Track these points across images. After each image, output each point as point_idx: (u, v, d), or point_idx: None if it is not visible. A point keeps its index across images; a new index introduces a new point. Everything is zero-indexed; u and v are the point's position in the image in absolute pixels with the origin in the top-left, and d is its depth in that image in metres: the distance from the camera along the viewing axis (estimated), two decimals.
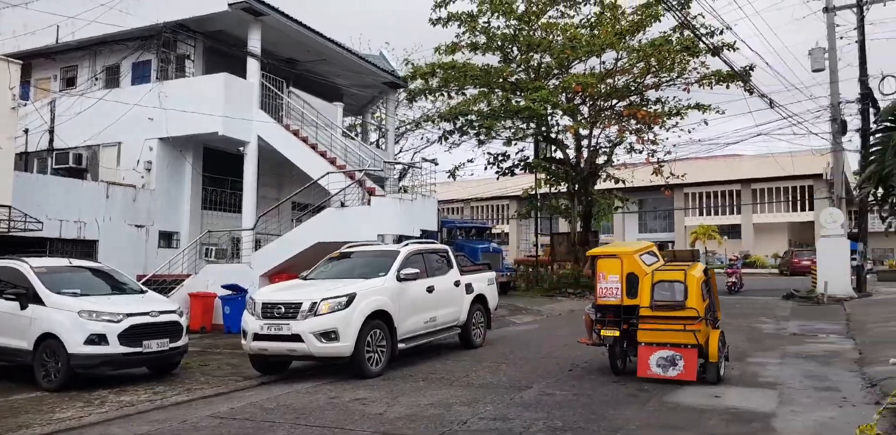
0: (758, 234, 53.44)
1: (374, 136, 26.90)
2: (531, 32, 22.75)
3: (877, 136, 5.72)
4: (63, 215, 14.03)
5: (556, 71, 23.34)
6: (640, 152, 24.05)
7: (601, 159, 24.50)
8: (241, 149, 16.16)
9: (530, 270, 26.37)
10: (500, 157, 25.30)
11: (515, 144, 25.12)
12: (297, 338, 8.57)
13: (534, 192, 26.79)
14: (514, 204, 50.28)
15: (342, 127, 19.97)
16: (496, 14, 22.48)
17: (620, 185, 24.80)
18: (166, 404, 7.58)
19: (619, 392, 7.59)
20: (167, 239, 16.41)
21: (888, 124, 5.48)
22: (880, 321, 13.04)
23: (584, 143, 24.28)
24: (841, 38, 21.53)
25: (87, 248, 14.58)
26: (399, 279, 9.66)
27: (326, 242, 13.44)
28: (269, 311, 8.88)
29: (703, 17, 21.70)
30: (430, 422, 6.42)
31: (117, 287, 9.93)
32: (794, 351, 10.56)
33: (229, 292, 13.97)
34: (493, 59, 23.75)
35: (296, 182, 17.00)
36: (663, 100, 23.38)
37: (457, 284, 11.20)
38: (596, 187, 25.57)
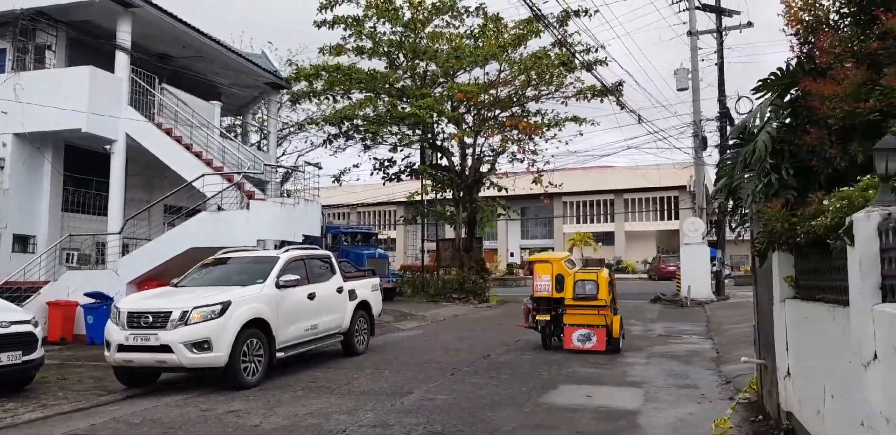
0: (629, 241, 56.51)
1: (255, 138, 26.10)
2: (417, 40, 23.00)
3: (728, 152, 6.23)
4: None
5: (441, 79, 23.71)
6: (522, 162, 24.91)
7: (485, 167, 25.11)
8: (108, 147, 15.17)
9: (416, 275, 26.54)
10: (386, 163, 25.35)
11: (402, 150, 25.32)
12: (166, 349, 8.16)
13: (420, 198, 27.02)
14: (401, 210, 50.45)
15: (220, 127, 19.25)
16: (382, 20, 22.55)
17: (503, 193, 25.49)
18: (18, 422, 6.99)
19: (498, 395, 7.81)
20: (22, 243, 15.07)
21: (737, 141, 5.98)
22: (735, 323, 14.07)
23: (469, 151, 24.79)
24: (703, 60, 23.34)
25: None
26: (278, 286, 9.44)
27: (201, 247, 12.87)
28: (135, 320, 8.42)
29: (580, 34, 22.79)
30: (308, 432, 6.32)
31: None
32: (659, 351, 11.29)
33: (93, 301, 13.08)
34: (379, 65, 23.81)
35: (168, 184, 16.19)
36: (543, 112, 24.32)
37: (339, 290, 11.10)
38: (480, 195, 26.18)
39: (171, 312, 8.32)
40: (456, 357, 10.94)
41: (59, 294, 13.49)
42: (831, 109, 4.62)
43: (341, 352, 11.34)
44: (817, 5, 5.34)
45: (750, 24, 22.60)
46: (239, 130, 25.92)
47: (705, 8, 23.13)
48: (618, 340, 10.90)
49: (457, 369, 9.66)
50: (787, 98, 5.63)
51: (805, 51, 5.47)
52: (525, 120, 23.48)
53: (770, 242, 4.94)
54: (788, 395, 5.45)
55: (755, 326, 7.07)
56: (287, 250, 10.64)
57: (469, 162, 24.77)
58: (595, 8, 22.28)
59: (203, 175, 14.46)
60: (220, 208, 14.01)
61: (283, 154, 29.58)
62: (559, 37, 21.41)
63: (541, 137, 24.19)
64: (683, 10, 23.66)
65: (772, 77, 5.44)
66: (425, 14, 22.99)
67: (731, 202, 6.22)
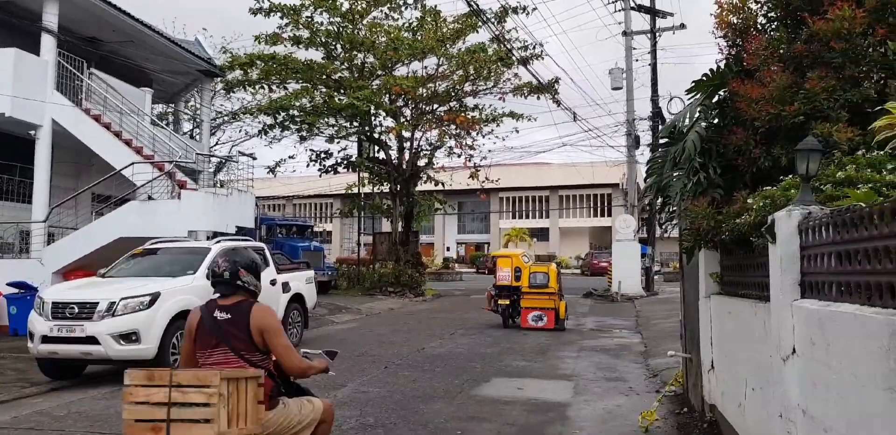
0: (563, 237, 57.59)
1: (187, 127, 25.36)
2: (355, 31, 22.75)
3: (658, 150, 6.41)
4: None
5: (379, 72, 23.53)
6: (459, 156, 25.02)
7: (422, 161, 25.11)
8: (33, 133, 14.48)
9: (352, 268, 26.36)
10: (322, 155, 25.05)
11: (338, 142, 25.06)
12: (92, 340, 7.92)
13: (357, 190, 26.82)
14: (338, 202, 49.93)
15: (151, 115, 18.63)
16: (320, 9, 22.20)
17: (440, 187, 25.57)
18: None
19: (431, 388, 7.86)
20: None
21: (667, 140, 6.16)
22: (663, 317, 14.52)
23: (407, 144, 24.73)
24: (637, 60, 23.95)
25: None
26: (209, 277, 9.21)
27: (130, 237, 12.47)
28: (60, 311, 8.13)
29: (518, 31, 23.05)
30: None
31: None
32: (590, 345, 11.57)
33: (16, 291, 12.51)
34: (316, 55, 23.46)
35: (97, 172, 15.59)
36: (480, 107, 24.49)
37: (273, 282, 10.93)
38: (417, 189, 26.16)
39: (97, 303, 8.08)
40: (390, 350, 10.95)
41: None
42: (757, 112, 4.78)
43: None
44: (746, 8, 5.51)
45: (683, 26, 23.29)
46: (171, 118, 25.06)
47: (640, 9, 23.69)
48: (563, 320, 13.49)
49: (391, 362, 9.68)
50: (716, 99, 5.79)
51: (733, 53, 5.65)
52: (463, 115, 23.59)
53: (697, 239, 5.10)
54: (712, 388, 5.64)
55: (682, 321, 7.31)
56: (219, 241, 10.41)
57: (406, 156, 24.72)
58: (533, 5, 22.47)
59: (133, 163, 14.03)
60: (150, 198, 13.62)
61: (217, 144, 28.83)
62: (497, 33, 21.58)
63: (478, 132, 24.38)
64: (619, 11, 24.24)
65: (703, 78, 5.62)
66: (363, 5, 22.77)
67: (660, 200, 6.38)
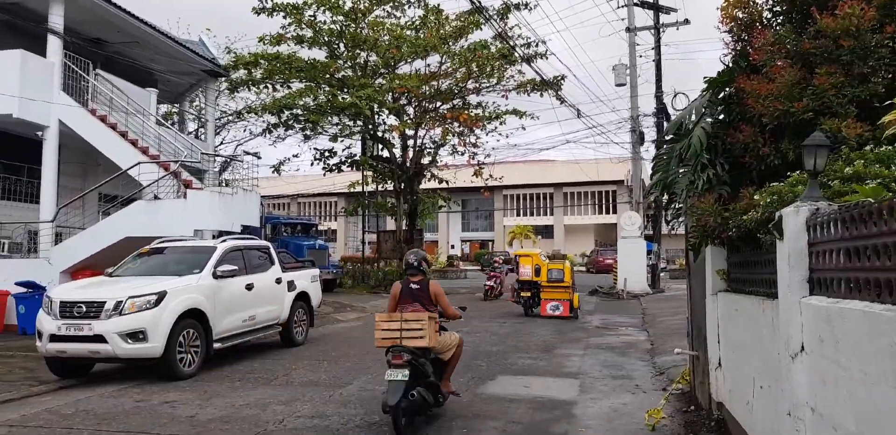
0: (568, 234, 57.50)
1: (192, 126, 25.43)
2: (358, 29, 22.73)
3: (664, 147, 6.38)
4: None
5: (382, 70, 23.50)
6: (463, 154, 24.99)
7: (426, 159, 25.07)
8: (40, 134, 14.53)
9: (357, 267, 26.37)
10: (326, 154, 25.04)
11: (342, 141, 25.05)
12: (100, 339, 7.95)
13: (361, 189, 26.82)
14: (342, 201, 50.04)
15: (156, 115, 18.67)
16: (322, 8, 22.19)
17: (444, 185, 25.56)
18: None
19: None
20: None
21: (673, 137, 6.13)
22: (670, 315, 14.46)
23: (410, 143, 24.71)
24: (641, 56, 23.88)
25: None
26: (215, 276, 9.26)
27: (136, 236, 12.53)
28: (68, 310, 8.16)
29: (521, 28, 23.01)
30: (245, 423, 6.24)
31: None
32: (596, 343, 11.51)
33: (25, 290, 12.59)
34: (319, 54, 23.47)
35: (103, 172, 15.64)
36: (484, 104, 24.44)
37: (278, 281, 10.96)
38: (421, 187, 26.14)
39: (105, 302, 8.10)
40: None
41: None
42: (765, 108, 4.75)
43: (280, 343, 11.21)
44: (751, 3, 5.46)
45: (687, 22, 23.18)
46: (176, 118, 25.12)
47: (643, 5, 23.58)
48: (577, 310, 15.45)
49: None
50: (722, 95, 5.76)
51: (739, 48, 5.61)
52: (466, 112, 23.56)
53: (703, 235, 5.08)
54: (720, 385, 5.61)
55: (689, 319, 7.28)
56: (225, 240, 10.43)
57: (410, 154, 24.70)
58: (535, 2, 22.33)
59: (139, 163, 14.07)
60: (156, 197, 13.65)
61: (222, 143, 28.89)
62: (499, 30, 21.53)
63: (482, 130, 24.35)
64: (622, 6, 24.12)
65: (717, 76, 5.58)
66: (366, 3, 22.75)
67: (666, 196, 6.36)
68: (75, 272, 13.00)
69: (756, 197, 4.14)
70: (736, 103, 5.45)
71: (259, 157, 18.83)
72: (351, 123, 24.15)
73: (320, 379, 8.40)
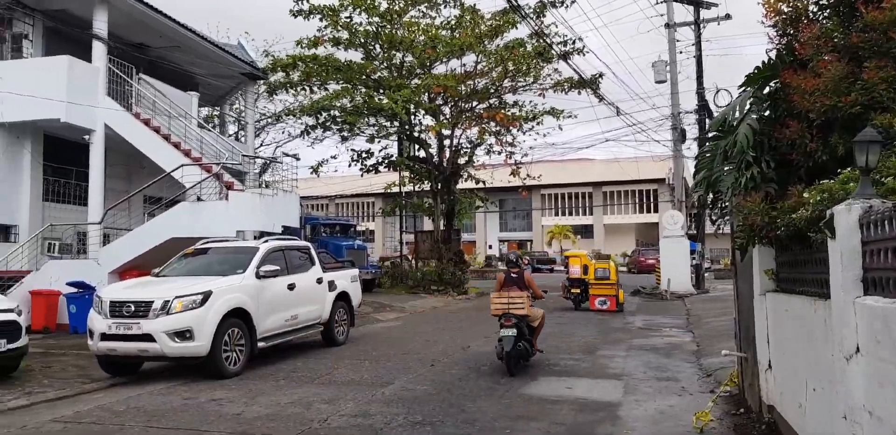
0: (608, 234, 56.93)
1: (232, 129, 25.86)
2: (393, 30, 22.85)
3: (707, 144, 6.27)
4: None
5: (418, 70, 23.59)
6: (499, 154, 24.93)
7: (462, 159, 25.10)
8: (87, 137, 14.98)
9: (395, 267, 26.51)
10: (363, 155, 25.20)
11: (379, 142, 25.19)
12: (148, 338, 8.15)
13: (398, 189, 26.96)
14: (380, 201, 50.36)
15: (198, 118, 19.05)
16: (358, 10, 22.37)
17: (481, 185, 25.54)
18: (3, 409, 7.01)
19: (478, 386, 7.85)
20: (4, 232, 14.88)
21: (717, 134, 6.02)
22: (715, 316, 14.16)
23: (447, 143, 24.76)
24: (681, 52, 23.44)
25: None
26: (258, 276, 9.41)
27: (181, 237, 12.77)
28: (117, 309, 8.39)
29: (557, 26, 22.79)
30: (290, 421, 6.33)
31: None
32: (639, 344, 11.36)
33: (75, 290, 12.97)
34: (355, 56, 23.66)
35: (147, 174, 15.99)
36: (521, 103, 24.34)
37: (319, 281, 11.08)
38: (458, 187, 26.17)
39: (153, 302, 8.30)
40: (435, 348, 10.98)
41: (42, 283, 13.37)
42: (812, 103, 4.64)
43: (321, 342, 11.35)
44: None
45: (728, 17, 22.74)
46: (216, 121, 25.61)
47: (683, 0, 23.23)
48: (622, 304, 17.09)
49: (436, 361, 9.70)
50: (767, 90, 5.64)
51: (784, 43, 5.49)
52: (502, 112, 23.49)
53: (751, 235, 4.98)
54: (770, 388, 5.48)
55: (736, 319, 7.13)
56: (266, 241, 10.59)
57: (447, 154, 24.75)
58: None
59: (182, 165, 14.34)
60: (199, 199, 13.91)
61: (261, 145, 29.34)
62: (536, 28, 21.40)
63: (518, 129, 24.26)
64: (661, 2, 23.75)
65: (755, 71, 5.47)
66: (401, 4, 22.85)
67: (710, 195, 6.25)
68: (123, 272, 13.31)
69: (805, 195, 4.05)
70: (782, 99, 5.33)
71: (298, 159, 19.13)
72: (387, 124, 24.28)
73: (362, 378, 8.47)
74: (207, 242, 10.83)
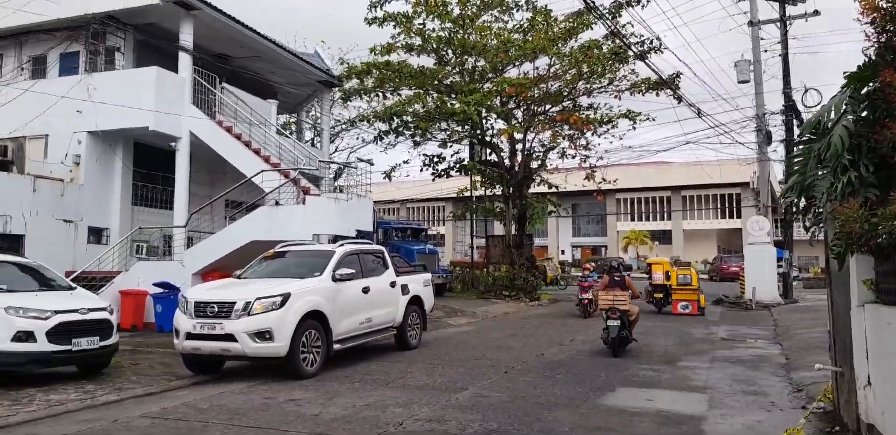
0: (688, 240, 55.22)
1: (309, 135, 26.51)
2: (466, 36, 22.90)
3: (799, 147, 5.96)
4: None
5: (490, 74, 23.54)
6: (573, 157, 24.57)
7: (535, 163, 24.85)
8: (173, 144, 15.70)
9: (466, 271, 26.50)
10: (435, 159, 25.34)
11: (451, 146, 25.29)
12: (230, 337, 8.40)
13: (469, 194, 26.96)
14: (450, 205, 50.52)
15: (276, 125, 19.63)
16: (431, 16, 22.53)
17: (554, 189, 25.22)
18: (96, 404, 7.33)
19: (553, 395, 7.71)
20: (97, 235, 15.80)
21: (810, 136, 5.72)
22: (806, 327, 13.54)
23: (519, 147, 24.58)
24: (765, 51, 22.50)
25: (13, 242, 13.86)
26: (334, 279, 9.56)
27: (260, 240, 13.19)
28: (202, 309, 8.68)
29: (633, 26, 22.34)
30: (366, 423, 6.38)
31: (45, 283, 9.51)
32: (723, 355, 10.90)
33: (161, 290, 13.56)
34: (428, 61, 23.82)
35: (229, 179, 16.61)
36: (595, 106, 23.93)
37: (392, 285, 11.17)
38: (530, 191, 25.94)
39: (235, 303, 8.55)
40: (508, 355, 10.88)
41: (130, 283, 14.08)
42: None
43: (394, 346, 11.43)
44: None
45: (816, 13, 21.62)
46: (294, 128, 26.31)
47: None
48: (703, 308, 18.02)
49: (510, 368, 9.59)
50: (864, 90, 5.33)
51: (883, 41, 5.17)
52: (576, 114, 23.14)
53: (848, 243, 4.70)
54: (869, 405, 5.15)
55: (830, 332, 6.72)
56: (342, 244, 10.76)
57: (519, 158, 24.57)
58: None
59: (262, 171, 14.82)
60: (277, 203, 14.29)
61: (336, 150, 29.94)
62: (612, 27, 20.96)
63: (593, 133, 23.85)
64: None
65: (857, 70, 5.17)
66: (474, 10, 22.88)
67: (803, 201, 5.94)
68: (205, 274, 13.84)
69: None
70: (881, 99, 5.03)
71: (372, 164, 19.41)
72: (459, 129, 24.33)
73: (436, 383, 8.47)
74: (286, 246, 11.09)
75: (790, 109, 21.14)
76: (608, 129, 23.91)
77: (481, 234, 31.53)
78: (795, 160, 5.87)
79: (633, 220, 57.03)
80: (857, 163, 4.97)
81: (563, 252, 57.90)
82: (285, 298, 8.62)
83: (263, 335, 8.39)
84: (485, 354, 10.95)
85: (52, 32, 16.41)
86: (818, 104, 18.61)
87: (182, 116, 15.47)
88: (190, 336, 8.65)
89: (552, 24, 22.50)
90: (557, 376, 8.89)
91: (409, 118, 23.26)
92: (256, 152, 15.77)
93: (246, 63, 18.83)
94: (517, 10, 23.25)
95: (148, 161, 16.72)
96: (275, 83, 20.47)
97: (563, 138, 23.92)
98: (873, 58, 5.14)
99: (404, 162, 25.79)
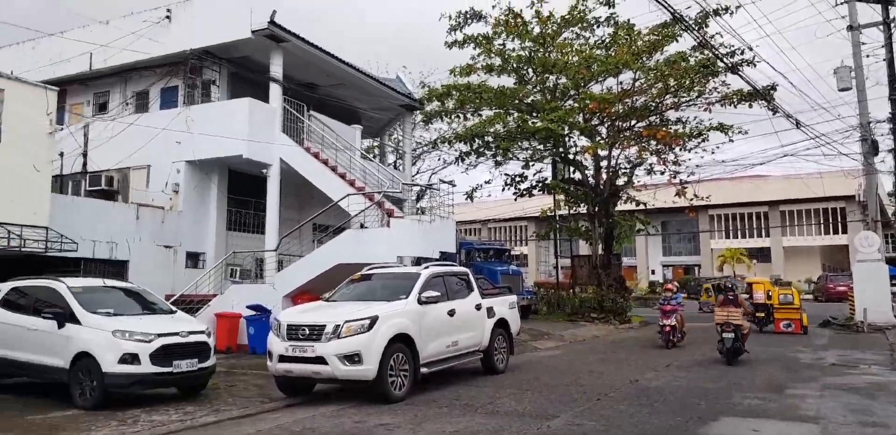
0: (788, 257, 52.31)
1: (391, 158, 26.93)
2: (546, 54, 22.68)
3: None
4: (96, 236, 14.17)
5: (572, 92, 23.14)
6: (662, 173, 23.76)
7: (621, 180, 24.19)
8: (265, 171, 16.27)
9: (551, 293, 25.93)
10: (517, 179, 24.99)
11: (533, 165, 24.94)
12: (321, 360, 8.46)
13: (552, 213, 26.52)
14: (533, 225, 50.04)
15: (361, 149, 20.03)
16: (511, 36, 22.50)
17: (642, 206, 24.47)
18: (196, 425, 7.52)
19: (651, 425, 7.31)
20: (194, 259, 16.52)
21: None
22: None
23: (604, 164, 24.01)
24: (868, 56, 21.19)
25: (118, 268, 14.70)
26: (420, 302, 9.50)
27: (347, 263, 13.38)
28: (293, 332, 8.81)
29: (721, 36, 21.48)
30: None
31: (148, 307, 9.95)
32: (834, 383, 10.13)
33: (253, 313, 13.92)
34: (508, 81, 23.72)
35: (317, 204, 17.04)
36: (684, 120, 23.16)
37: (478, 307, 11.01)
38: (617, 209, 25.23)
39: (325, 326, 8.62)
40: (600, 380, 10.46)
41: (225, 306, 14.54)
42: None
43: (481, 370, 11.21)
44: None
45: None
46: (377, 151, 26.80)
47: None
48: (806, 327, 18.04)
49: (603, 394, 9.18)
50: None
51: None
52: (664, 129, 22.42)
53: None
54: None
55: None
56: (427, 267, 10.71)
57: (604, 175, 23.97)
58: (736, 3, 20.60)
59: (348, 195, 15.09)
60: (362, 226, 14.48)
61: (418, 172, 30.22)
62: (699, 39, 20.24)
63: (682, 147, 23.02)
64: (842, 3, 21.67)
65: None
66: (554, 28, 22.69)
67: None
68: (295, 296, 14.13)
69: None
70: None
71: (454, 185, 19.31)
72: (541, 147, 24.04)
73: (525, 409, 8.21)
74: (372, 269, 11.15)
75: None
76: (698, 144, 23.05)
77: (566, 253, 30.94)
78: None
79: (728, 237, 54.53)
80: None
81: (653, 272, 56.01)
82: (373, 320, 8.62)
83: (352, 358, 8.40)
84: (575, 380, 10.57)
85: (153, 69, 17.51)
86: None
87: (273, 144, 16.01)
88: (283, 359, 8.76)
89: (635, 38, 22.01)
90: (655, 404, 8.45)
91: (491, 139, 23.18)
92: (342, 177, 16.10)
93: (331, 90, 19.40)
94: (598, 27, 22.92)
95: (241, 187, 17.41)
96: (359, 109, 20.96)
97: (651, 154, 23.22)
98: None
99: (486, 182, 25.62)
